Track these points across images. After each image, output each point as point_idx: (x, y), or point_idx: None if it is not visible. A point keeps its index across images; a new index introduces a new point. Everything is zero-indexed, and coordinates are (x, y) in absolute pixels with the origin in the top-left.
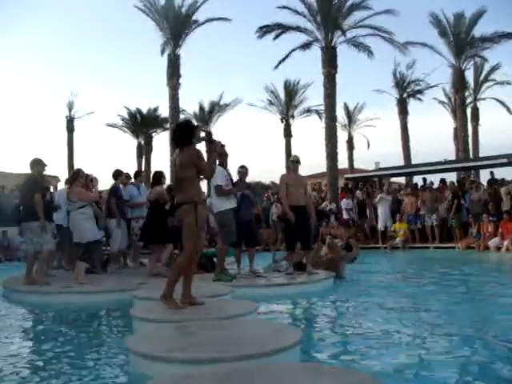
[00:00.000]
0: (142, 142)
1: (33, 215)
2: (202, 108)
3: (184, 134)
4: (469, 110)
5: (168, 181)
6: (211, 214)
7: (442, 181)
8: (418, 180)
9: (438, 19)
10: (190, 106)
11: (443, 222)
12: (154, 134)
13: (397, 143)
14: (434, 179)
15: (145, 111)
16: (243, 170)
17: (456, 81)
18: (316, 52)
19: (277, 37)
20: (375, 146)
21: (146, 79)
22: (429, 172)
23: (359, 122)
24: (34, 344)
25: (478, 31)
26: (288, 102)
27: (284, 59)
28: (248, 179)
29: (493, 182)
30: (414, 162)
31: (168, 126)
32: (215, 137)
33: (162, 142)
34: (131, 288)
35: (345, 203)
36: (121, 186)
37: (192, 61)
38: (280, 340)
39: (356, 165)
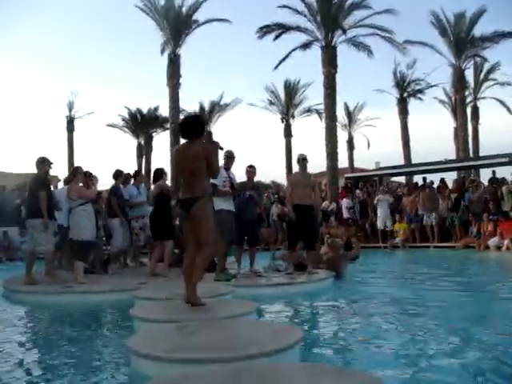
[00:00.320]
0: (142, 142)
1: (36, 213)
2: (202, 108)
3: (197, 126)
4: (469, 110)
5: (168, 182)
6: None
7: (442, 180)
8: (418, 179)
9: (438, 19)
10: (190, 106)
11: (442, 221)
12: (154, 134)
13: (397, 143)
14: (435, 179)
15: (145, 111)
16: (252, 170)
17: (456, 80)
18: (316, 52)
19: (277, 37)
20: (375, 146)
21: (146, 79)
22: (429, 171)
23: (359, 121)
24: (34, 344)
25: (478, 31)
26: (288, 101)
27: (284, 59)
28: None
29: (494, 180)
30: (414, 161)
31: (168, 125)
32: (215, 137)
33: (162, 141)
34: (131, 288)
35: (345, 202)
36: (121, 185)
37: (192, 61)
38: (280, 340)
39: (356, 164)
